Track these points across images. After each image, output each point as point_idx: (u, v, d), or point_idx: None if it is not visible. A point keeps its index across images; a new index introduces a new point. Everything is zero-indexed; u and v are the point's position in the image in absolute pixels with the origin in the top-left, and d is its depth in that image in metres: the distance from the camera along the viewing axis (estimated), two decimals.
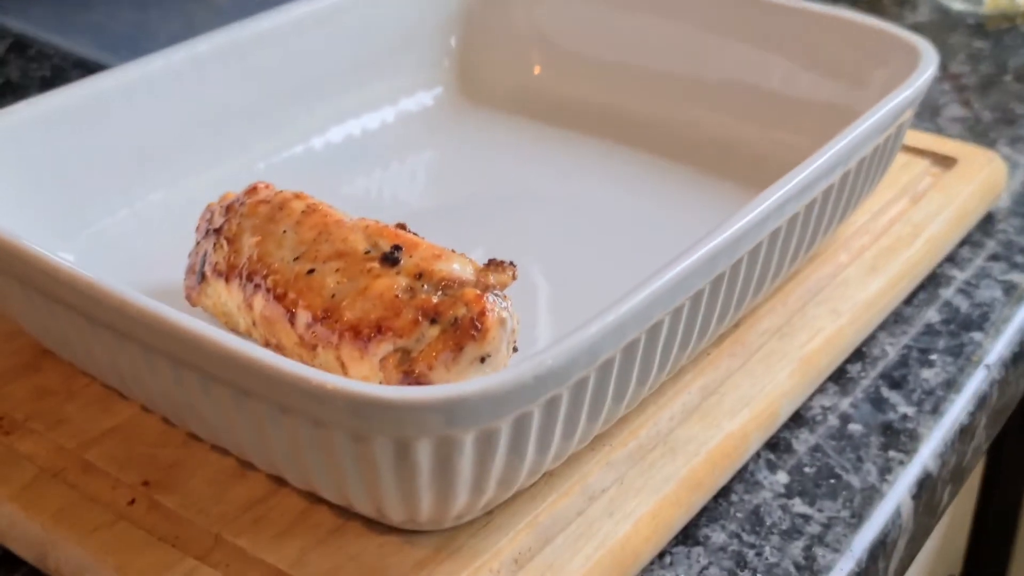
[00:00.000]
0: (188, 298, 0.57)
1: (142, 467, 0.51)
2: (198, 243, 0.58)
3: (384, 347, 0.48)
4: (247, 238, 0.54)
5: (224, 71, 0.70)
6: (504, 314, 0.48)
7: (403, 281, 0.49)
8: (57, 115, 0.63)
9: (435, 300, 0.48)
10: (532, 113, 0.79)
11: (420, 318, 0.48)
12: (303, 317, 0.50)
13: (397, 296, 0.48)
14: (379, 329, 0.48)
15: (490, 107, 0.80)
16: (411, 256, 0.50)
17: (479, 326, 0.47)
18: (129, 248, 0.64)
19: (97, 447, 0.52)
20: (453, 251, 0.51)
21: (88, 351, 0.51)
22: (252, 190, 0.57)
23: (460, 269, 0.50)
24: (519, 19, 0.82)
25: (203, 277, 0.55)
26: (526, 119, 0.79)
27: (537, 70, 0.82)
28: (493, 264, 0.50)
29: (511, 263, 0.50)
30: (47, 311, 0.51)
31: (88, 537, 0.48)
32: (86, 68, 0.95)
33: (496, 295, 0.49)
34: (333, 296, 0.49)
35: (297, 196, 0.55)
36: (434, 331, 0.48)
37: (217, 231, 0.56)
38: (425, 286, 0.49)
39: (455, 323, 0.47)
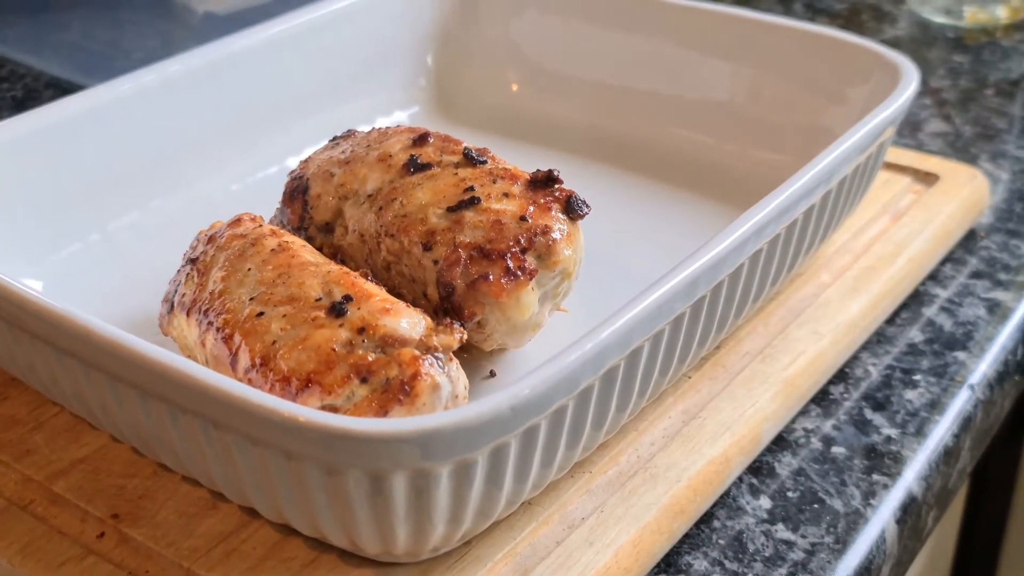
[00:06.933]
0: (160, 326, 0.56)
1: (111, 499, 0.50)
2: (178, 270, 0.56)
3: (312, 402, 0.46)
4: (215, 272, 0.53)
5: (197, 92, 0.69)
6: (441, 379, 0.47)
7: (344, 334, 0.47)
8: (26, 139, 0.62)
9: (370, 358, 0.46)
10: (510, 132, 0.79)
11: (351, 375, 0.46)
12: (243, 361, 0.49)
13: (334, 350, 0.47)
14: (308, 383, 0.46)
15: (468, 126, 0.79)
16: (359, 308, 0.48)
17: (408, 390, 0.46)
18: (101, 273, 0.63)
19: (65, 479, 0.51)
20: (408, 304, 0.49)
21: (55, 381, 0.50)
22: (236, 222, 0.55)
23: (407, 327, 0.48)
24: (496, 37, 0.81)
25: (172, 307, 0.54)
26: (504, 137, 0.78)
27: (515, 88, 0.81)
28: (442, 324, 0.48)
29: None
30: (12, 339, 0.50)
31: (56, 572, 0.47)
32: (59, 88, 0.93)
33: (437, 358, 0.47)
34: (274, 343, 0.48)
35: (273, 233, 0.54)
36: (363, 391, 0.46)
37: (193, 261, 0.55)
38: (365, 341, 0.47)
39: (386, 384, 0.46)
